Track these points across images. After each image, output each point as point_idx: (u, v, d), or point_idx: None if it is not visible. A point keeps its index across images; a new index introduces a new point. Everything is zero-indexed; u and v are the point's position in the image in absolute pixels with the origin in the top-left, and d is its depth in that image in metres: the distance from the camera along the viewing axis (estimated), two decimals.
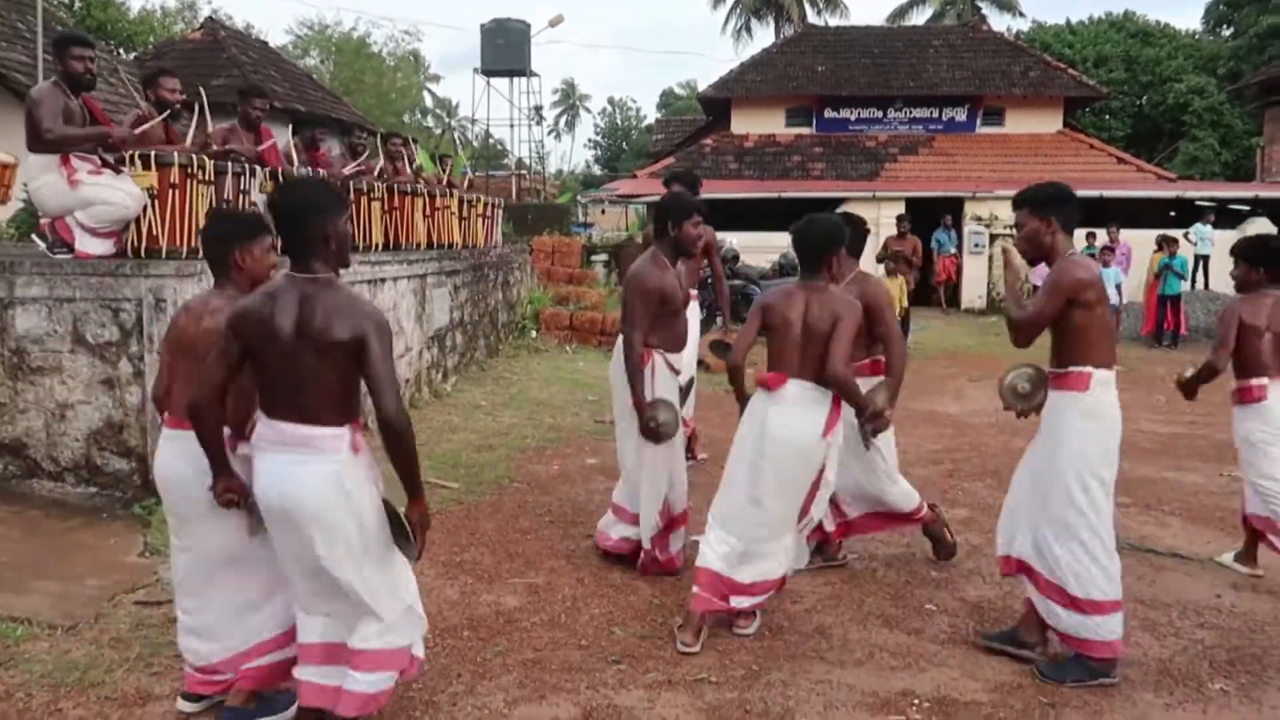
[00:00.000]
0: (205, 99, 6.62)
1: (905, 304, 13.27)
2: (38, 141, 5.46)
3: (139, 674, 3.71)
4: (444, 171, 11.42)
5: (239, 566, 3.33)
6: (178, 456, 3.30)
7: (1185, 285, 15.29)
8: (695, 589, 4.15)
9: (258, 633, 3.36)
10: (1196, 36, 39.89)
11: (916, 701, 3.65)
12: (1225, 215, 20.81)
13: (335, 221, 3.14)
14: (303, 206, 3.14)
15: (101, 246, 5.60)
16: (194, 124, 6.55)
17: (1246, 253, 5.10)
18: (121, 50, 25.29)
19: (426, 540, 3.21)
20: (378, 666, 3.15)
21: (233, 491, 3.21)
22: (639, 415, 4.64)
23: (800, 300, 4.11)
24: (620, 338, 4.83)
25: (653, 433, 4.60)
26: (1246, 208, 20.45)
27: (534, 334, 12.82)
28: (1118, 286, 13.84)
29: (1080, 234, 18.10)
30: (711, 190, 21.06)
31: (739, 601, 4.16)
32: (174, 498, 3.39)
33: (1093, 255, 14.45)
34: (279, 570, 3.27)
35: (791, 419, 4.05)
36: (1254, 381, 5.09)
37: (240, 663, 3.35)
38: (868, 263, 6.93)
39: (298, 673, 3.25)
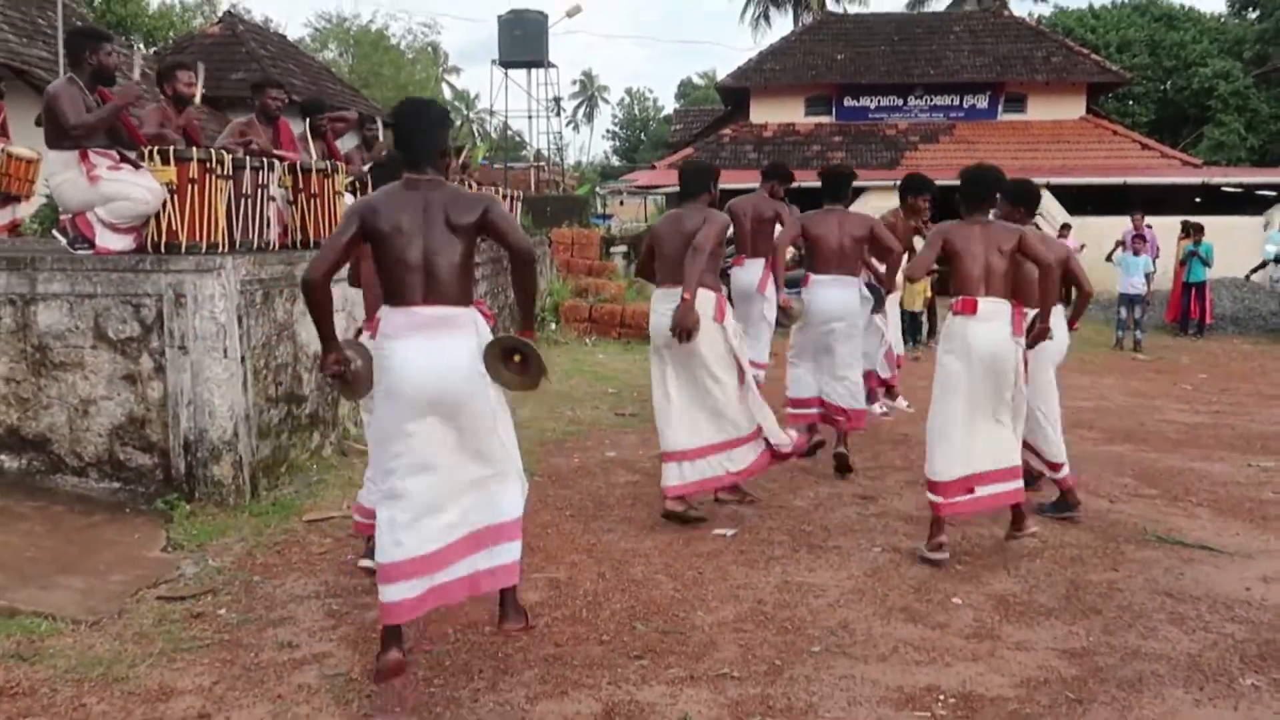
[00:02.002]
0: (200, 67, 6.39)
1: (930, 293, 13.19)
2: (61, 137, 5.47)
3: (162, 669, 3.72)
4: (459, 159, 11.38)
5: None
6: None
7: (1209, 272, 15.07)
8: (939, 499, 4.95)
9: None
10: (1222, 20, 39.36)
11: (941, 697, 3.60)
12: (1251, 201, 20.54)
13: (448, 135, 3.67)
14: (426, 119, 3.61)
15: (122, 242, 5.61)
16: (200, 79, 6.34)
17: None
18: (141, 45, 25.42)
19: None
20: (518, 534, 3.64)
21: (339, 361, 3.75)
22: None
23: (977, 231, 4.98)
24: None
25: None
26: (1274, 193, 20.17)
27: (553, 326, 12.80)
28: (1147, 275, 13.67)
29: (1102, 222, 17.93)
30: (731, 180, 20.97)
31: (983, 489, 4.96)
32: None
33: (1121, 245, 14.29)
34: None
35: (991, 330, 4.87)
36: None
37: None
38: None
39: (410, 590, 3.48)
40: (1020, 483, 5.10)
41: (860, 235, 6.37)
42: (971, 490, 4.98)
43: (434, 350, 3.44)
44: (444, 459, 3.53)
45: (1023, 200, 5.56)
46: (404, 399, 3.44)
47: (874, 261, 6.89)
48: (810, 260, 6.48)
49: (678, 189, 5.61)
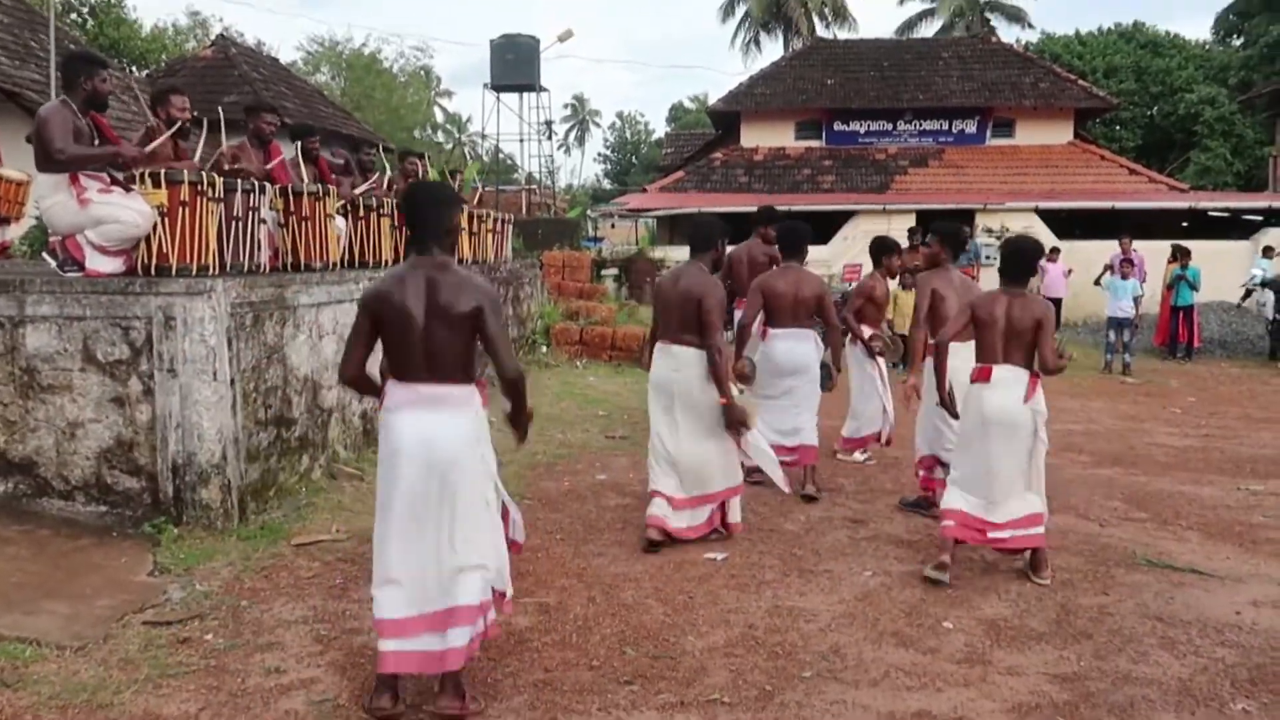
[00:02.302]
0: (222, 117, 6.67)
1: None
2: (48, 161, 5.46)
3: (147, 695, 3.69)
4: (454, 184, 11.43)
5: None
6: None
7: (1197, 296, 15.15)
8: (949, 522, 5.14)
9: None
10: (1207, 46, 39.80)
11: None
12: (1238, 226, 20.71)
13: (457, 216, 3.79)
14: (433, 202, 3.73)
15: (112, 265, 5.59)
16: (201, 140, 6.57)
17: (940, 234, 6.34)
18: (134, 68, 25.48)
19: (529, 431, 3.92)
20: (473, 620, 3.58)
21: None
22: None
23: (1004, 301, 5.10)
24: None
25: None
26: (1260, 217, 20.34)
27: (544, 349, 12.80)
28: (1135, 299, 13.74)
29: (1090, 246, 18.05)
30: (721, 204, 21.09)
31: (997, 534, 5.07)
32: None
33: (1110, 269, 14.35)
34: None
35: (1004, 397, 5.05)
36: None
37: None
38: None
39: (393, 645, 3.56)
40: (1039, 529, 5.13)
41: (813, 294, 6.66)
42: (983, 532, 5.12)
43: (429, 424, 3.58)
44: (427, 535, 3.60)
45: (949, 242, 6.24)
46: (397, 468, 3.59)
47: (859, 325, 7.40)
48: (768, 315, 6.71)
49: (688, 245, 5.83)
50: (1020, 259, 5.24)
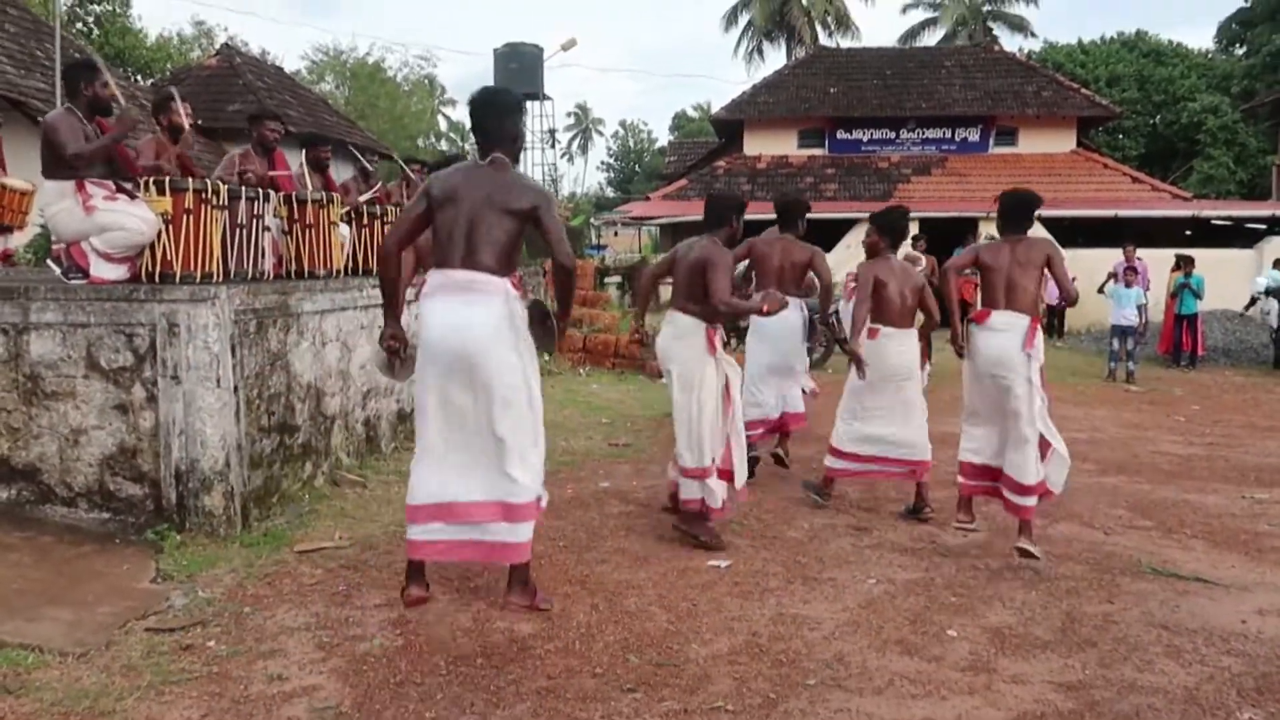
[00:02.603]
0: (176, 92, 6.47)
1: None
2: (58, 166, 5.48)
3: (150, 702, 3.68)
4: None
5: None
6: None
7: (1200, 305, 15.14)
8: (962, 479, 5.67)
9: None
10: (1209, 55, 39.87)
11: None
12: (1241, 234, 20.69)
13: (520, 121, 4.08)
14: (499, 110, 3.99)
15: (116, 272, 5.61)
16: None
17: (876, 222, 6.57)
18: (139, 77, 25.57)
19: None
20: (531, 516, 3.97)
21: (396, 339, 4.15)
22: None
23: (1007, 248, 5.47)
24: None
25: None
26: (1263, 225, 20.32)
27: (547, 356, 12.80)
28: (1139, 307, 13.72)
29: (1093, 255, 18.04)
30: None
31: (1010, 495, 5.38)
32: None
33: (1114, 276, 14.32)
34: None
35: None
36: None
37: None
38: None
39: (427, 533, 3.95)
40: (1032, 499, 5.37)
41: (801, 261, 7.04)
42: (996, 485, 5.58)
43: (459, 308, 3.78)
44: (467, 420, 3.82)
45: (888, 231, 6.47)
46: (430, 353, 3.81)
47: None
48: (760, 282, 7.01)
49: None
50: (1021, 208, 5.59)
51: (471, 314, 3.75)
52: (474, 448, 3.99)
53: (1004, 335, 5.32)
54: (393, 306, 4.11)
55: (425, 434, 4.05)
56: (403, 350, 4.20)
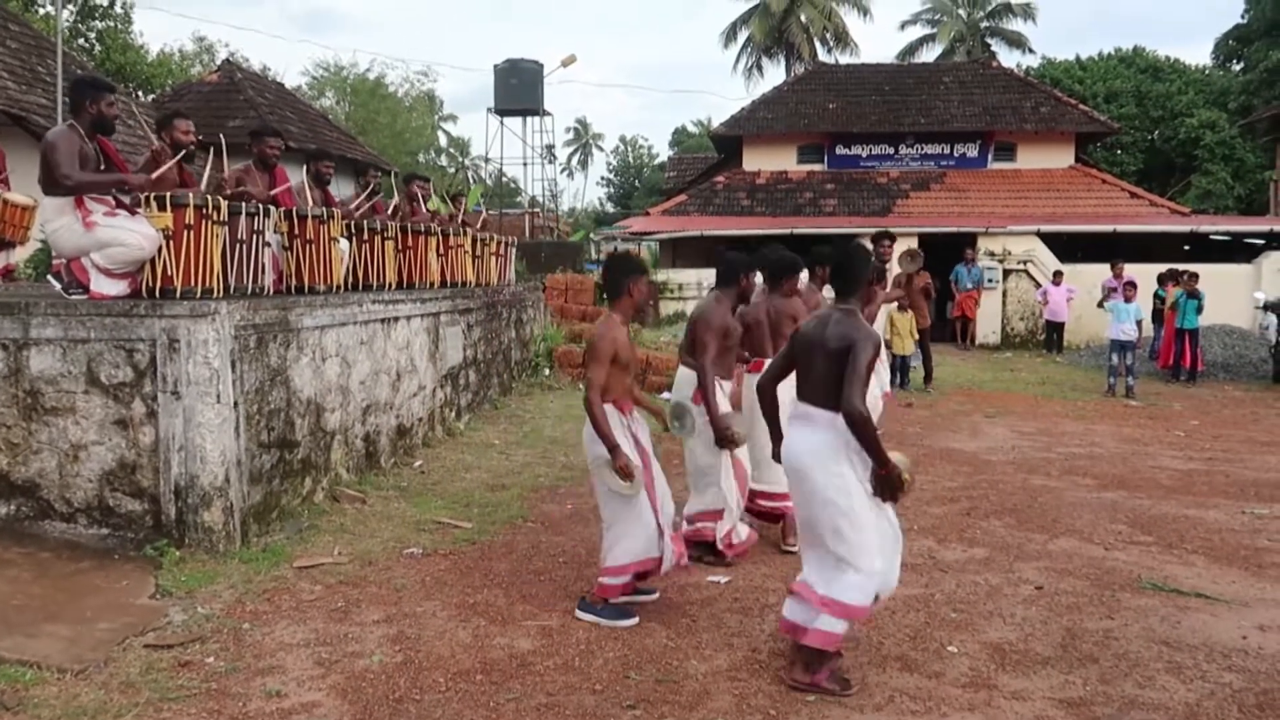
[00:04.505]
0: (223, 142, 6.72)
1: (917, 334, 13.27)
2: (54, 186, 5.50)
3: (148, 719, 3.67)
4: (457, 209, 11.49)
5: None
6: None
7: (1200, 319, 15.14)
8: None
9: None
10: (1206, 71, 40.02)
11: None
12: (1239, 249, 20.73)
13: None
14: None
15: (116, 287, 5.62)
16: (208, 165, 6.61)
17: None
18: (140, 93, 25.67)
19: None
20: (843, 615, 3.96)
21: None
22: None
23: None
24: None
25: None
26: (1261, 241, 20.36)
27: (547, 372, 12.80)
28: (1139, 322, 13.74)
29: (1092, 270, 18.06)
30: (724, 227, 21.15)
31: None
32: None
33: (1113, 291, 14.34)
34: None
35: None
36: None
37: None
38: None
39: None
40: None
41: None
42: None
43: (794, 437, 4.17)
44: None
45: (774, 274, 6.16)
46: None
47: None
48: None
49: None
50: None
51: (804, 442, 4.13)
52: None
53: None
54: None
55: None
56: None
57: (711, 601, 5.02)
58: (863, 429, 3.88)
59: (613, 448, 4.60)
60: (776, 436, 4.42)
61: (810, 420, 4.12)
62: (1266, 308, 16.09)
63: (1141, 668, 4.27)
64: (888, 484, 3.97)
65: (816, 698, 3.94)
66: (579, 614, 4.77)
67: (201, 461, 5.38)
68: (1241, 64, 37.76)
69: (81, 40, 26.51)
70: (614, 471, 4.61)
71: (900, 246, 11.33)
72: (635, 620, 4.71)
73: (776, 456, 4.41)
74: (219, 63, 26.68)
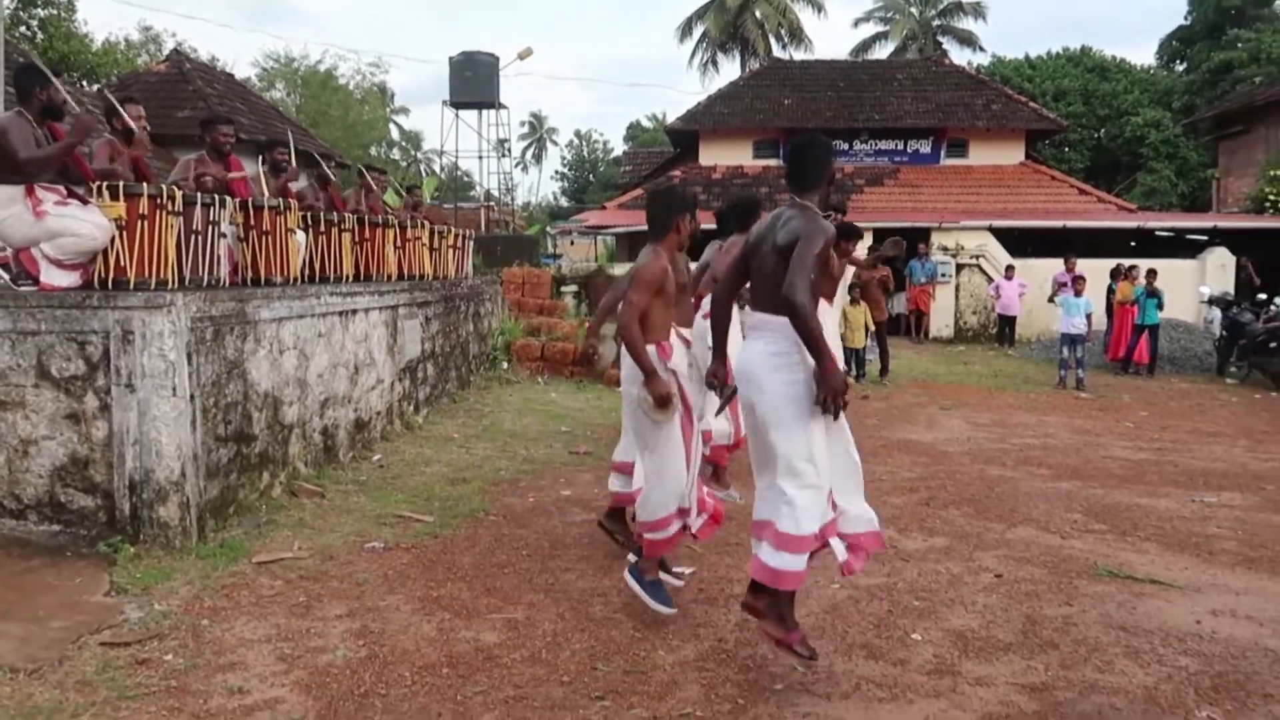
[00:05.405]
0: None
1: (872, 328, 13.41)
2: (9, 171, 5.35)
3: (105, 718, 3.58)
4: (413, 197, 11.38)
5: None
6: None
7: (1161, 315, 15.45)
8: None
9: None
10: (1151, 71, 40.81)
11: None
12: (1184, 245, 21.20)
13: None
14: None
15: (68, 279, 5.48)
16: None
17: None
18: (85, 82, 25.08)
19: None
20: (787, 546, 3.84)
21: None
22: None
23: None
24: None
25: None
26: (1204, 238, 20.84)
27: (505, 365, 12.74)
28: (1088, 316, 13.99)
29: (1043, 265, 18.36)
30: None
31: None
32: None
33: (1063, 285, 14.61)
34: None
35: None
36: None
37: None
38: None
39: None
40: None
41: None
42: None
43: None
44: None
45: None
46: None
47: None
48: None
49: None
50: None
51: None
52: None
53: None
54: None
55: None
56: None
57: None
58: (804, 321, 3.66)
59: (649, 372, 4.46)
60: (720, 356, 4.30)
61: (766, 328, 3.93)
62: (1211, 302, 16.47)
63: (1100, 652, 4.34)
64: (831, 387, 3.74)
65: (784, 686, 3.96)
66: (627, 579, 4.67)
67: (157, 456, 5.27)
68: (1185, 64, 38.59)
69: (23, 28, 25.85)
70: (651, 399, 4.47)
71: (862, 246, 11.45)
72: (675, 611, 4.62)
73: (710, 382, 4.37)
74: (166, 53, 26.17)
